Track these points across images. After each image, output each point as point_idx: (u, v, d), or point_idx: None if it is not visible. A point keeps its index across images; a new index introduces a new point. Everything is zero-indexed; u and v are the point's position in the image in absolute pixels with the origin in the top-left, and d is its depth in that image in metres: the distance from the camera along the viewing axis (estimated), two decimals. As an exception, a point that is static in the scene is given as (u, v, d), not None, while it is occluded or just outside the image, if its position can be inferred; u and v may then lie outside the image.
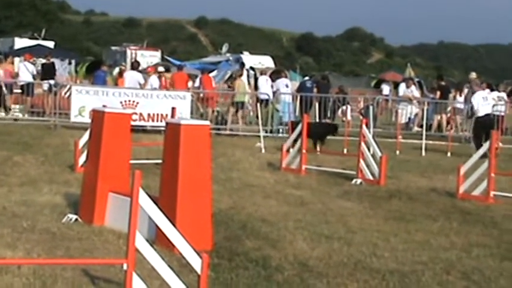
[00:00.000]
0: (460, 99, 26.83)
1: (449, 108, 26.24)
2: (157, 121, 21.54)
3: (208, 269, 6.41)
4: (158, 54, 54.70)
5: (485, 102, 21.68)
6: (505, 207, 12.35)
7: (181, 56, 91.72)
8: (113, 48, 56.51)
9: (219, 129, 23.33)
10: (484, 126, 20.21)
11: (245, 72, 30.26)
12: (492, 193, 12.95)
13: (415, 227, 10.37)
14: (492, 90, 27.24)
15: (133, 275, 6.19)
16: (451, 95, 27.71)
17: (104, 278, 7.01)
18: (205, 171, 8.53)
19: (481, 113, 21.57)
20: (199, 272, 6.15)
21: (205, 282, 6.20)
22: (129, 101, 21.55)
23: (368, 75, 62.49)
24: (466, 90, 27.29)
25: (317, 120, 23.52)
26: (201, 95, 25.05)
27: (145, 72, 29.07)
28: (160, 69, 28.34)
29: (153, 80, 25.13)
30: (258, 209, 11.19)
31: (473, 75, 28.36)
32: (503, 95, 27.79)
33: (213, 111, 24.52)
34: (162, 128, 8.85)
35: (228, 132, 23.47)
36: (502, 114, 25.73)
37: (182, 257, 6.32)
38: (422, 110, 25.32)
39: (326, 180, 14.77)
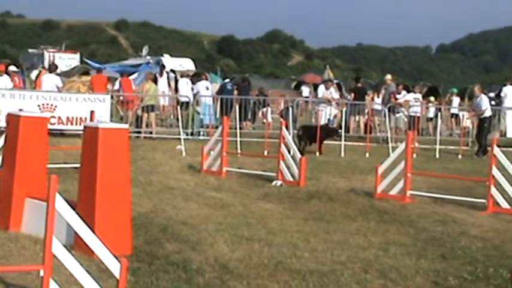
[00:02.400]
0: (378, 100, 27.26)
1: (367, 110, 26.62)
2: (76, 124, 21.19)
3: (127, 274, 6.36)
4: (77, 57, 54.06)
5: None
6: (420, 206, 12.62)
7: (101, 58, 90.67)
8: (30, 50, 55.64)
9: (139, 132, 23.17)
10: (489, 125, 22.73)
11: (165, 75, 30.10)
12: (408, 192, 13.22)
13: (334, 227, 10.50)
14: (408, 91, 27.84)
15: (50, 281, 6.11)
16: (369, 97, 28.12)
17: (21, 285, 6.89)
18: (124, 174, 8.48)
19: (488, 113, 22.66)
20: (118, 276, 6.11)
21: (124, 287, 6.15)
22: (47, 104, 21.17)
23: (288, 77, 62.82)
24: (383, 92, 27.78)
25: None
26: (121, 98, 24.81)
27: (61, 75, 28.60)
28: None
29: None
30: (178, 212, 11.17)
31: (388, 77, 28.90)
32: (419, 96, 28.37)
33: (133, 114, 24.31)
34: (81, 132, 8.73)
35: (148, 135, 23.30)
36: (418, 115, 26.31)
37: (101, 262, 6.26)
38: (341, 112, 25.61)
39: (246, 182, 14.83)
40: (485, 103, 22.55)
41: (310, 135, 21.15)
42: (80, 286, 6.26)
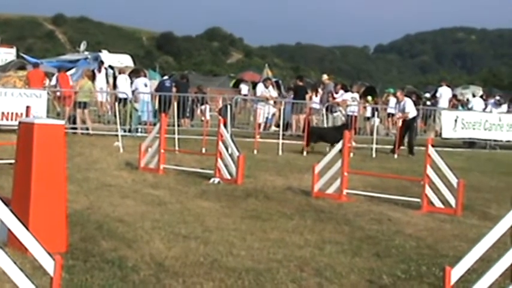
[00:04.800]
0: (316, 99, 27.47)
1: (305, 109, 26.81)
2: (11, 120, 20.93)
3: (62, 271, 6.29)
4: (13, 51, 53.14)
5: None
6: (356, 205, 12.76)
7: (38, 53, 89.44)
8: (-35, 44, 54.55)
9: (76, 128, 22.93)
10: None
11: (103, 71, 29.85)
12: (345, 191, 13.35)
13: (271, 226, 10.54)
14: (346, 91, 28.12)
15: (-18, 279, 6.01)
16: (307, 96, 28.32)
17: (-48, 283, 6.76)
18: (59, 171, 8.37)
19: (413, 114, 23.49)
20: (52, 274, 6.04)
21: (58, 285, 6.08)
22: (-19, 99, 20.86)
23: (227, 75, 62.89)
24: (321, 91, 27.98)
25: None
26: (58, 93, 24.52)
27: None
28: None
29: None
30: (115, 209, 11.09)
31: (325, 76, 29.15)
32: (356, 95, 28.68)
33: (70, 110, 24.03)
34: (17, 127, 8.61)
35: (84, 131, 23.07)
36: (355, 114, 26.61)
37: (35, 259, 6.18)
38: (280, 110, 25.73)
39: (184, 180, 14.81)
40: (408, 106, 23.20)
41: (320, 136, 21.42)
42: (13, 284, 6.16)
